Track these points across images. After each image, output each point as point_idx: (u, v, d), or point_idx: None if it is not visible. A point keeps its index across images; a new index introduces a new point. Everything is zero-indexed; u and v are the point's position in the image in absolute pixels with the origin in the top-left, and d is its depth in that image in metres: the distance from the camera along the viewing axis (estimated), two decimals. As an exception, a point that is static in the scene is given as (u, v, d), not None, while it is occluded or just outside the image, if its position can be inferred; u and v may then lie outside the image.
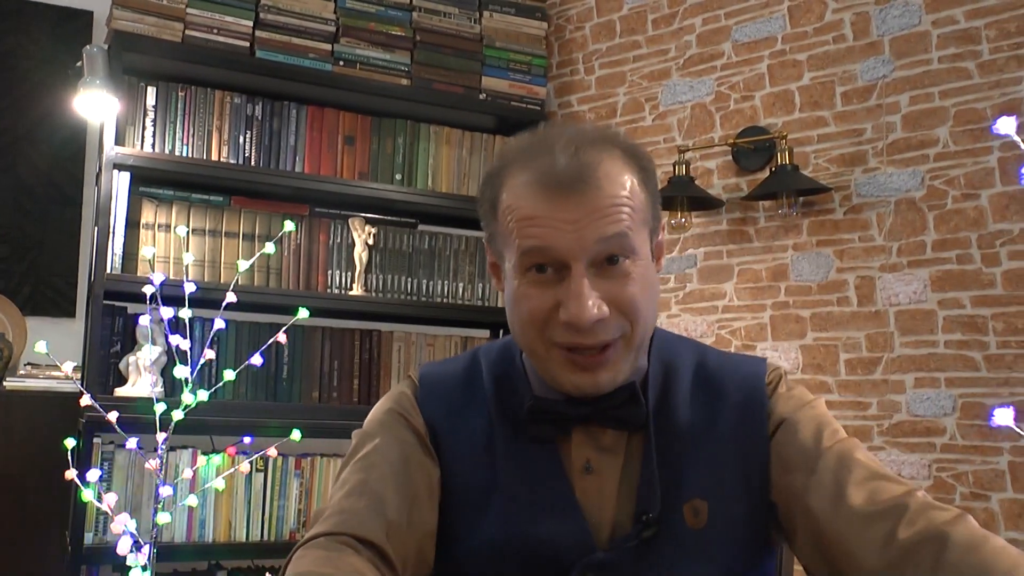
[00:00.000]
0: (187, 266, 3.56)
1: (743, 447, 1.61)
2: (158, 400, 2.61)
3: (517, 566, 1.59)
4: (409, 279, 4.48)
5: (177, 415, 2.58)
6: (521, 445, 1.64)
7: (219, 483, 2.74)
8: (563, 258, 1.49)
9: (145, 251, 3.78)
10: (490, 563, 1.61)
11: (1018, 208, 3.55)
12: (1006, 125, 1.52)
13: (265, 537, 4.00)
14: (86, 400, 2.59)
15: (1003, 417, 1.54)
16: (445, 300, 4.55)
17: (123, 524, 2.40)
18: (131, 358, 3.84)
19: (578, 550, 1.56)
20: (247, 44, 4.19)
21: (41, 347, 2.50)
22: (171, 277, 3.77)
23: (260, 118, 4.24)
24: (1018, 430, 1.60)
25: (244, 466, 2.82)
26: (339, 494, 1.59)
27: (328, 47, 4.37)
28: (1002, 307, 3.54)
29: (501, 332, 4.75)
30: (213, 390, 2.70)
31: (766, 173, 4.05)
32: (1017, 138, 1.55)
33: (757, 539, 1.61)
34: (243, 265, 2.94)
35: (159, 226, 4.00)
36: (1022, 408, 3.32)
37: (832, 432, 1.58)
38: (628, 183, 1.53)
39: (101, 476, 2.88)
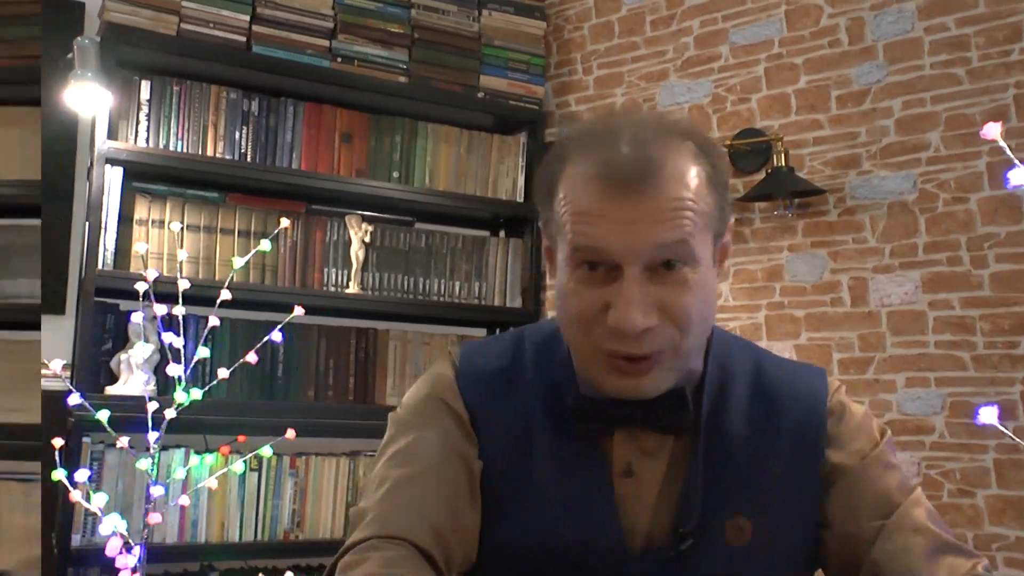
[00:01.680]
0: (181, 262, 3.53)
1: (796, 470, 1.57)
2: (150, 398, 2.59)
3: (542, 567, 1.54)
4: (406, 277, 4.49)
5: (170, 414, 2.57)
6: (561, 441, 1.59)
7: (212, 483, 2.72)
8: (616, 259, 1.42)
9: (138, 247, 3.77)
10: (514, 561, 1.56)
11: (1006, 211, 3.58)
12: (992, 130, 1.52)
13: (259, 537, 3.98)
14: (75, 399, 2.58)
15: (988, 416, 1.54)
16: (442, 299, 4.55)
17: (112, 525, 2.39)
18: (123, 356, 3.83)
19: (609, 557, 1.52)
20: (244, 39, 4.19)
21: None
22: (164, 274, 3.75)
23: (256, 114, 4.24)
24: (1003, 428, 1.60)
25: (237, 465, 2.81)
26: (379, 492, 1.54)
27: (326, 43, 4.36)
28: (990, 308, 3.59)
29: (498, 331, 4.74)
30: (207, 388, 2.69)
31: (762, 175, 4.08)
32: (1004, 143, 1.55)
33: (800, 564, 1.59)
34: (238, 262, 2.92)
35: (153, 222, 3.98)
36: (1007, 407, 3.40)
37: (900, 482, 1.55)
38: (695, 183, 1.44)
39: (90, 476, 2.87)
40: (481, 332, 4.83)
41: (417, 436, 1.61)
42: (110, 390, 3.80)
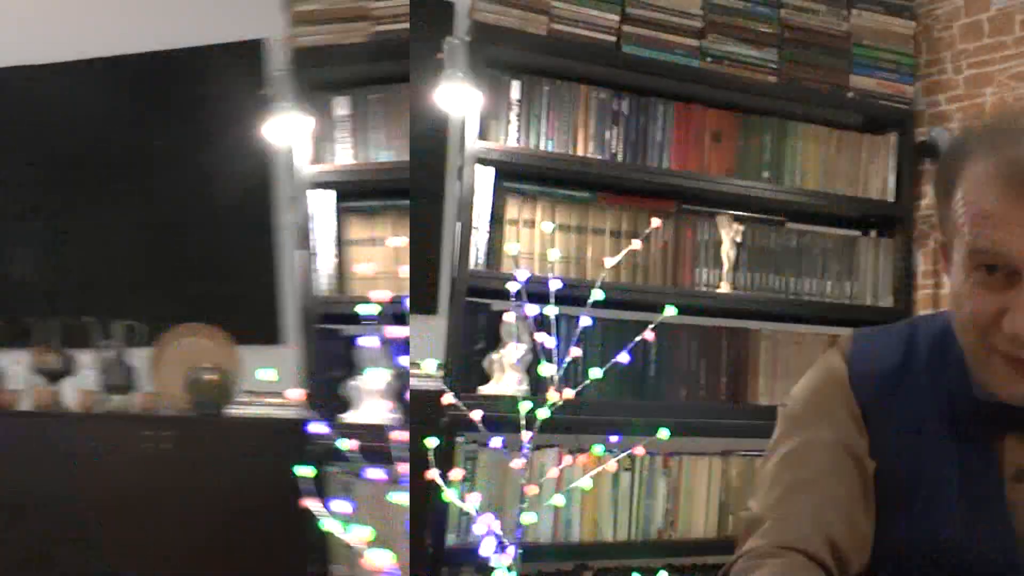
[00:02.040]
0: (553, 263, 3.54)
1: None
2: (523, 398, 2.58)
3: (926, 570, 1.50)
4: (776, 277, 4.40)
5: (543, 414, 2.55)
6: (953, 442, 1.52)
7: (586, 482, 2.69)
8: (1016, 265, 1.33)
9: (509, 247, 3.78)
10: (898, 563, 1.52)
11: None
12: None
13: (632, 537, 3.98)
14: (448, 398, 2.59)
15: None
16: (812, 298, 4.44)
17: (487, 524, 2.39)
18: (495, 356, 3.84)
19: (998, 563, 1.45)
20: (613, 38, 4.15)
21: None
22: (536, 273, 3.75)
23: (626, 113, 4.20)
24: None
25: (611, 465, 2.77)
26: (773, 495, 1.53)
27: (695, 43, 4.29)
28: None
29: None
30: (579, 388, 2.66)
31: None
32: None
33: None
34: (610, 262, 2.89)
35: (523, 222, 3.98)
36: None
37: None
38: None
39: (464, 476, 2.88)
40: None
41: (809, 436, 1.57)
42: (482, 390, 3.82)
